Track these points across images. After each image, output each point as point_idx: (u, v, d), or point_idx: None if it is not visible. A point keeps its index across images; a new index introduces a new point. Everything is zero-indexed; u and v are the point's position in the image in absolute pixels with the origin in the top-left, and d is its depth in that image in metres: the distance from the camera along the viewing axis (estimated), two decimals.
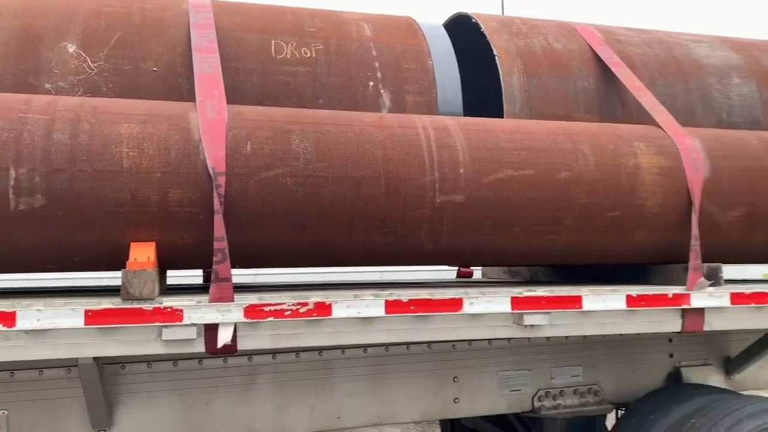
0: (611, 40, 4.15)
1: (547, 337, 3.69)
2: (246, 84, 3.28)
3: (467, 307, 2.78)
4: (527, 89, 3.78)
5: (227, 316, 2.51)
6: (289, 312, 2.59)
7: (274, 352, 3.25)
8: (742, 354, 4.05)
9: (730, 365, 4.14)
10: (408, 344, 3.46)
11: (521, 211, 3.02)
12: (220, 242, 2.55)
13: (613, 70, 3.85)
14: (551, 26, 4.12)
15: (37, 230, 2.49)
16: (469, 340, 3.57)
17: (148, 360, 3.06)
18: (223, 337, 2.50)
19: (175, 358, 3.11)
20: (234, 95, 3.13)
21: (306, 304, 2.61)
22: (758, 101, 4.22)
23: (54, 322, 2.34)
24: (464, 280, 4.87)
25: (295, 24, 3.56)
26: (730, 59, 4.30)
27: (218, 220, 2.56)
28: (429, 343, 3.51)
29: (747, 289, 3.21)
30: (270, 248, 2.80)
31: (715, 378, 4.15)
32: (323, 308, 2.63)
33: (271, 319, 2.57)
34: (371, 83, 3.55)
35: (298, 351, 3.30)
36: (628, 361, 3.94)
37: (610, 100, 3.90)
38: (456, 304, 2.77)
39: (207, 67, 2.98)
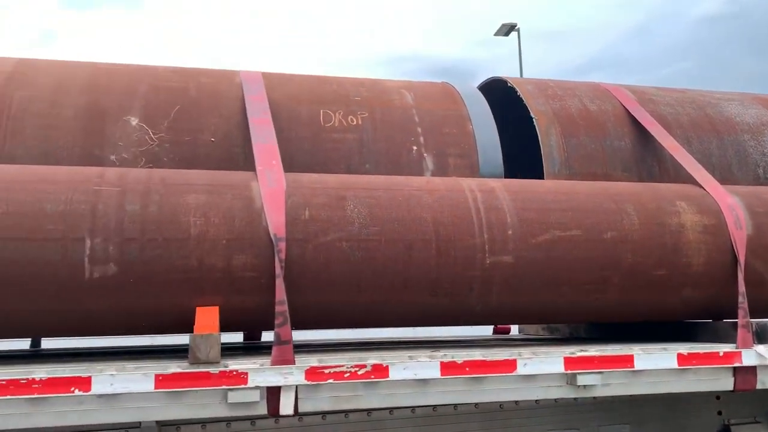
0: (644, 100, 4.27)
1: (594, 396, 3.68)
2: (298, 152, 3.44)
3: (521, 368, 2.82)
4: (565, 150, 3.89)
5: (289, 378, 2.57)
6: (348, 374, 2.65)
7: (324, 413, 3.28)
8: None
9: None
10: (456, 404, 3.47)
11: (569, 270, 3.08)
12: (282, 305, 2.64)
13: (648, 129, 3.96)
14: (585, 88, 4.26)
15: (109, 297, 2.60)
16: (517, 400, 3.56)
17: (204, 421, 3.10)
18: (286, 401, 2.55)
19: (228, 419, 3.15)
20: (286, 163, 3.27)
21: (364, 366, 2.67)
22: None
23: (126, 386, 2.42)
24: (505, 337, 4.88)
25: (341, 94, 3.74)
26: (762, 116, 4.39)
27: (279, 284, 2.65)
28: (477, 403, 3.51)
29: None
30: (327, 310, 2.88)
31: None
32: (380, 370, 2.68)
33: (330, 381, 2.63)
34: (414, 148, 3.68)
35: (347, 412, 3.32)
36: (677, 419, 3.89)
37: (646, 158, 3.99)
38: (510, 365, 2.81)
39: (263, 138, 3.13)
